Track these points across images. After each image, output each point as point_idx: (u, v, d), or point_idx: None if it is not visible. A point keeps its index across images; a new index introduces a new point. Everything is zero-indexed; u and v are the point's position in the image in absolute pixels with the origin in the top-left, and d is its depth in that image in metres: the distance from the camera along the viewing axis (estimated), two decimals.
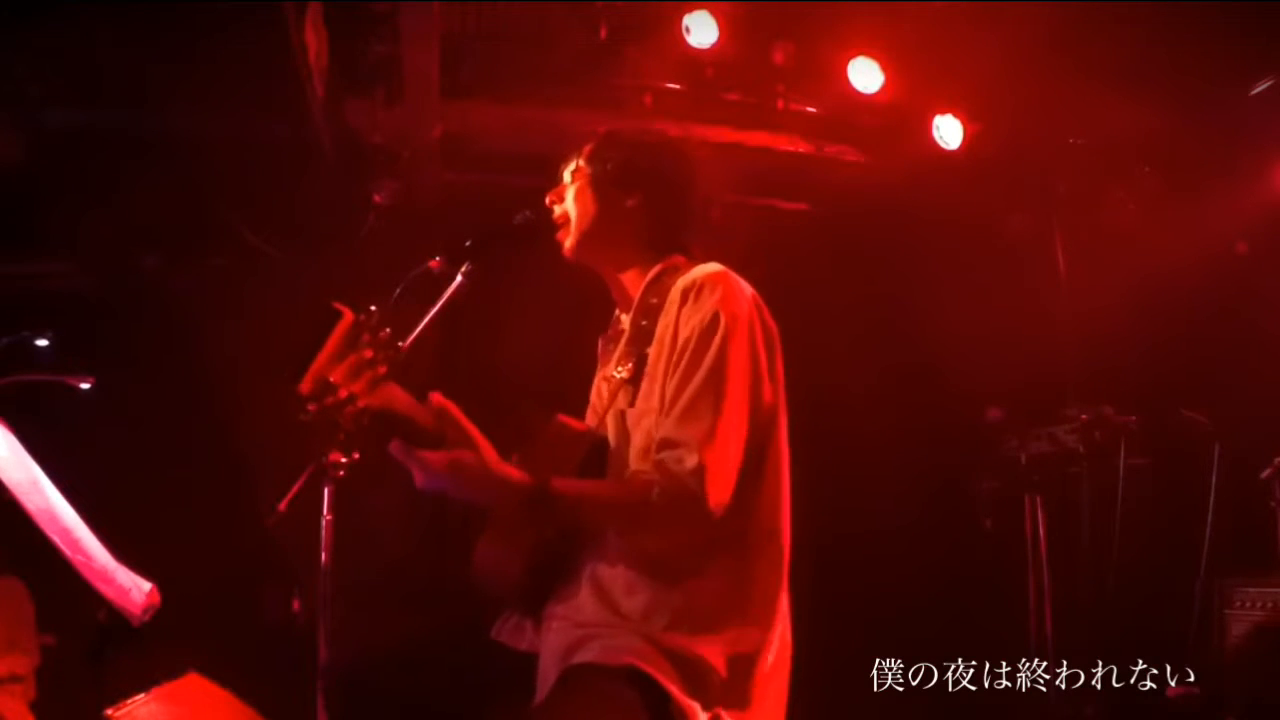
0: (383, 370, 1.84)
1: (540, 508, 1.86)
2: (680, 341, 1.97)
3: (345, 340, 1.82)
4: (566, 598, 1.98)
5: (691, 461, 1.86)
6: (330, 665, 2.05)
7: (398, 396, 1.88)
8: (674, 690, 1.83)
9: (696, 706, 1.84)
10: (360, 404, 1.82)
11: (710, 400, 1.90)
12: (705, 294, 1.99)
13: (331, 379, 1.80)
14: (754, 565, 1.98)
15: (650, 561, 1.93)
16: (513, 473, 1.87)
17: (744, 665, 1.91)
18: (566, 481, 1.91)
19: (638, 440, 1.98)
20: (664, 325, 2.02)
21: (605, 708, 1.81)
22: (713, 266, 2.06)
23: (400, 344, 1.88)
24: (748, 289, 2.04)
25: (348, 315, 1.83)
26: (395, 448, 1.83)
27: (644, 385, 2.02)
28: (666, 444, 1.90)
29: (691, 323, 1.97)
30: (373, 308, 1.86)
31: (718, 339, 1.93)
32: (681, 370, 1.94)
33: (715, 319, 1.95)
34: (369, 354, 1.83)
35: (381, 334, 1.85)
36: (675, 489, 1.86)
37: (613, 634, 1.88)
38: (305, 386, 1.80)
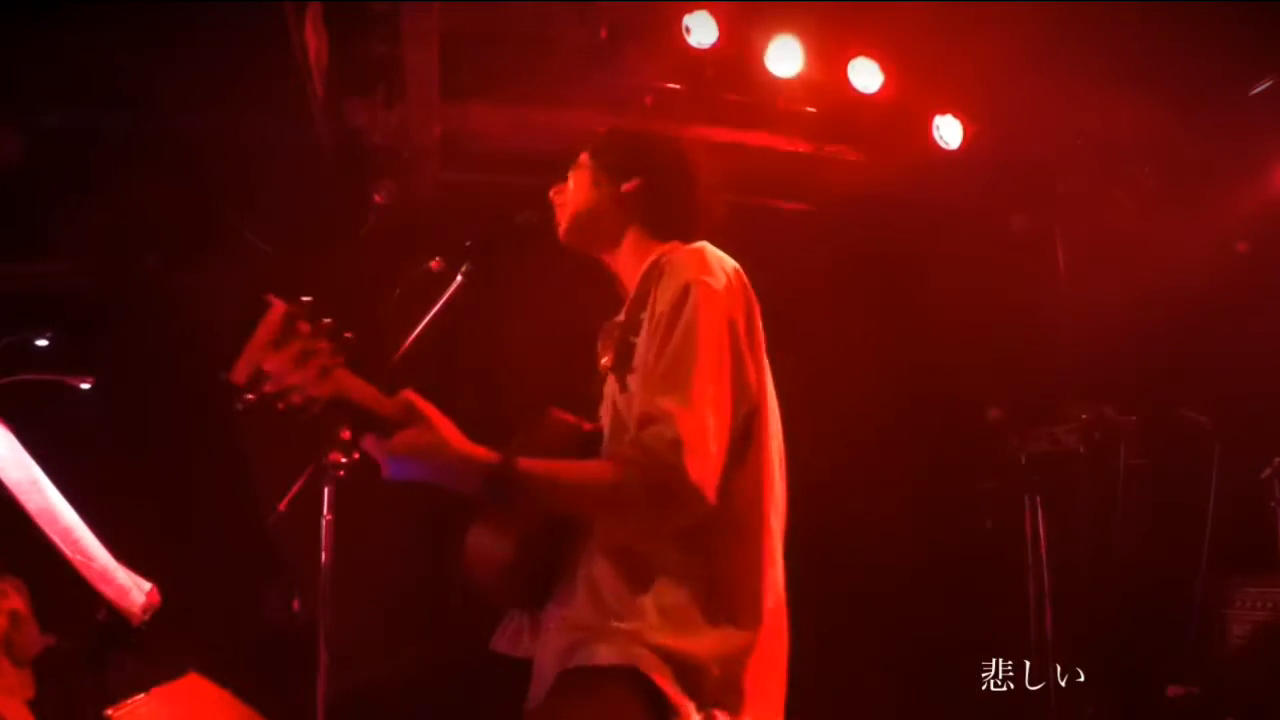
0: (332, 360, 1.78)
1: (511, 489, 1.80)
2: (655, 317, 1.94)
3: (280, 330, 1.76)
4: (564, 598, 1.96)
5: (670, 434, 1.80)
6: (332, 673, 2.03)
7: (354, 385, 1.82)
8: (669, 690, 1.82)
9: (691, 706, 1.83)
10: (311, 392, 1.76)
11: (683, 370, 1.85)
12: (677, 267, 1.96)
13: (265, 367, 1.74)
14: (737, 560, 1.94)
15: (639, 560, 1.90)
16: (477, 450, 1.81)
17: (736, 663, 1.89)
18: (535, 461, 1.84)
19: (633, 427, 1.92)
20: (648, 309, 1.98)
21: (603, 709, 1.80)
22: (693, 247, 2.03)
23: (348, 333, 1.81)
24: (728, 263, 2.00)
25: (278, 306, 1.77)
26: (368, 442, 1.80)
27: (633, 372, 1.99)
28: (644, 419, 1.84)
29: (665, 297, 1.93)
30: (305, 298, 1.79)
31: (688, 309, 1.89)
32: (656, 344, 1.90)
33: (685, 290, 1.91)
34: (313, 344, 1.76)
35: (322, 323, 1.79)
36: (654, 464, 1.80)
37: (608, 636, 1.86)
38: (237, 376, 1.75)
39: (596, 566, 1.93)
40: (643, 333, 1.98)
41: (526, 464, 1.82)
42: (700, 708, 1.85)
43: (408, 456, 1.80)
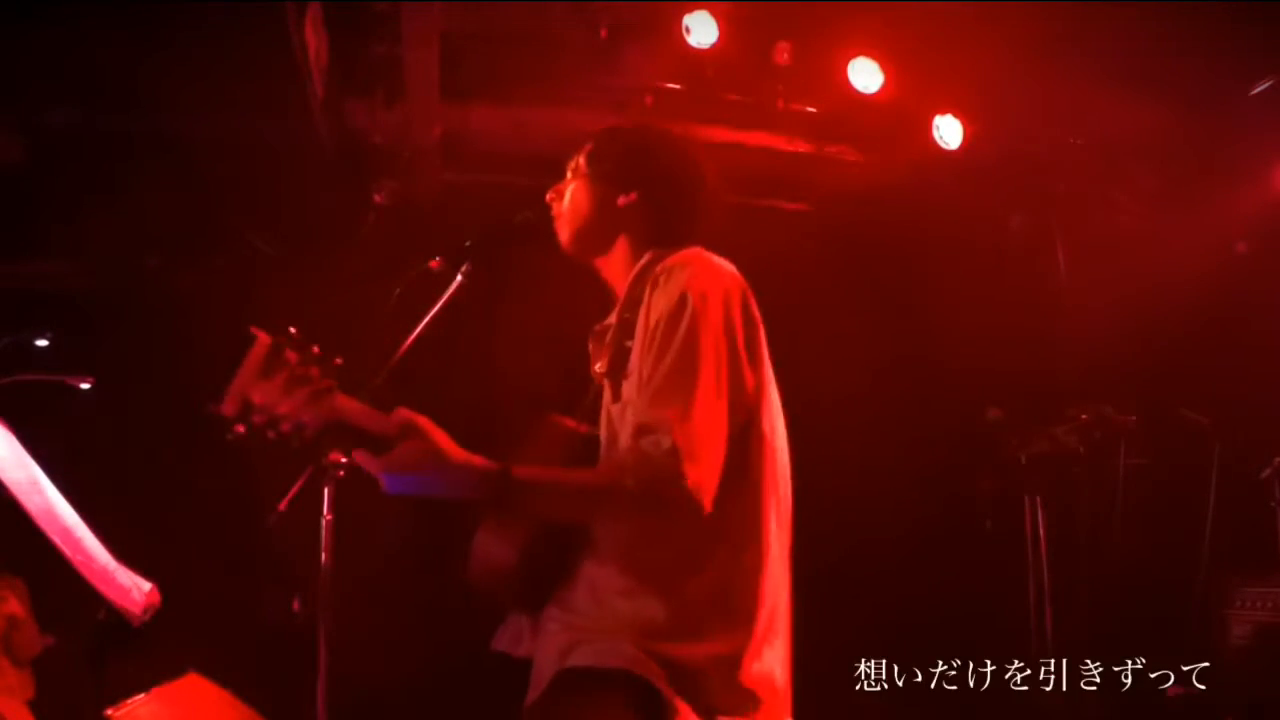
0: (324, 385, 1.81)
1: (508, 497, 1.81)
2: (651, 325, 1.93)
3: (266, 362, 1.80)
4: (564, 598, 1.97)
5: (666, 443, 1.79)
6: (332, 673, 2.04)
7: (348, 407, 1.84)
8: (665, 690, 1.82)
9: (687, 708, 1.83)
10: (302, 419, 1.79)
11: (681, 380, 1.84)
12: (674, 275, 1.95)
13: (253, 399, 1.79)
14: (737, 563, 1.94)
15: (642, 562, 1.90)
16: (474, 459, 1.80)
17: (733, 667, 1.89)
18: (532, 468, 1.85)
19: (625, 434, 1.93)
20: (642, 314, 1.98)
21: (597, 711, 1.81)
22: (689, 251, 2.02)
23: (337, 359, 1.84)
24: (727, 268, 1.99)
25: (263, 338, 1.81)
26: (359, 457, 1.80)
27: (628, 378, 1.98)
28: (642, 429, 1.83)
29: (660, 305, 1.92)
30: (291, 329, 1.83)
31: (685, 318, 1.88)
32: (653, 354, 1.89)
33: (682, 299, 1.89)
34: (303, 371, 1.79)
35: (310, 350, 1.82)
36: (651, 472, 1.79)
37: (605, 637, 1.87)
38: (226, 409, 1.79)
39: (598, 567, 1.94)
40: (636, 337, 1.97)
41: (523, 471, 1.82)
42: (697, 710, 1.84)
43: (406, 469, 1.79)
